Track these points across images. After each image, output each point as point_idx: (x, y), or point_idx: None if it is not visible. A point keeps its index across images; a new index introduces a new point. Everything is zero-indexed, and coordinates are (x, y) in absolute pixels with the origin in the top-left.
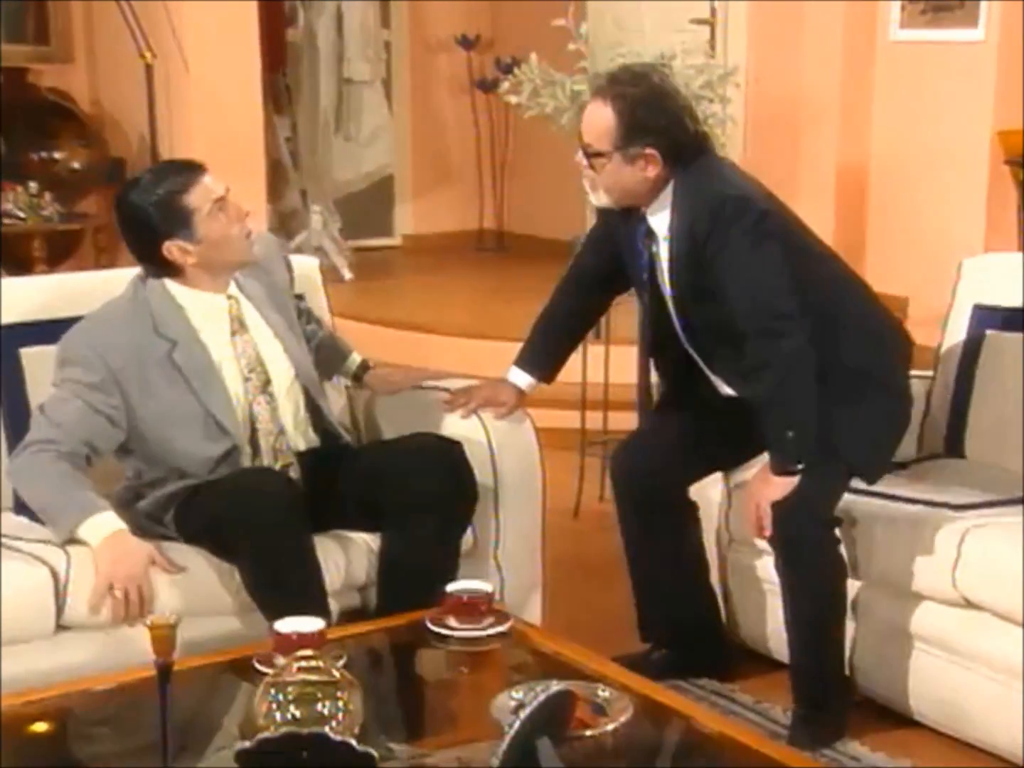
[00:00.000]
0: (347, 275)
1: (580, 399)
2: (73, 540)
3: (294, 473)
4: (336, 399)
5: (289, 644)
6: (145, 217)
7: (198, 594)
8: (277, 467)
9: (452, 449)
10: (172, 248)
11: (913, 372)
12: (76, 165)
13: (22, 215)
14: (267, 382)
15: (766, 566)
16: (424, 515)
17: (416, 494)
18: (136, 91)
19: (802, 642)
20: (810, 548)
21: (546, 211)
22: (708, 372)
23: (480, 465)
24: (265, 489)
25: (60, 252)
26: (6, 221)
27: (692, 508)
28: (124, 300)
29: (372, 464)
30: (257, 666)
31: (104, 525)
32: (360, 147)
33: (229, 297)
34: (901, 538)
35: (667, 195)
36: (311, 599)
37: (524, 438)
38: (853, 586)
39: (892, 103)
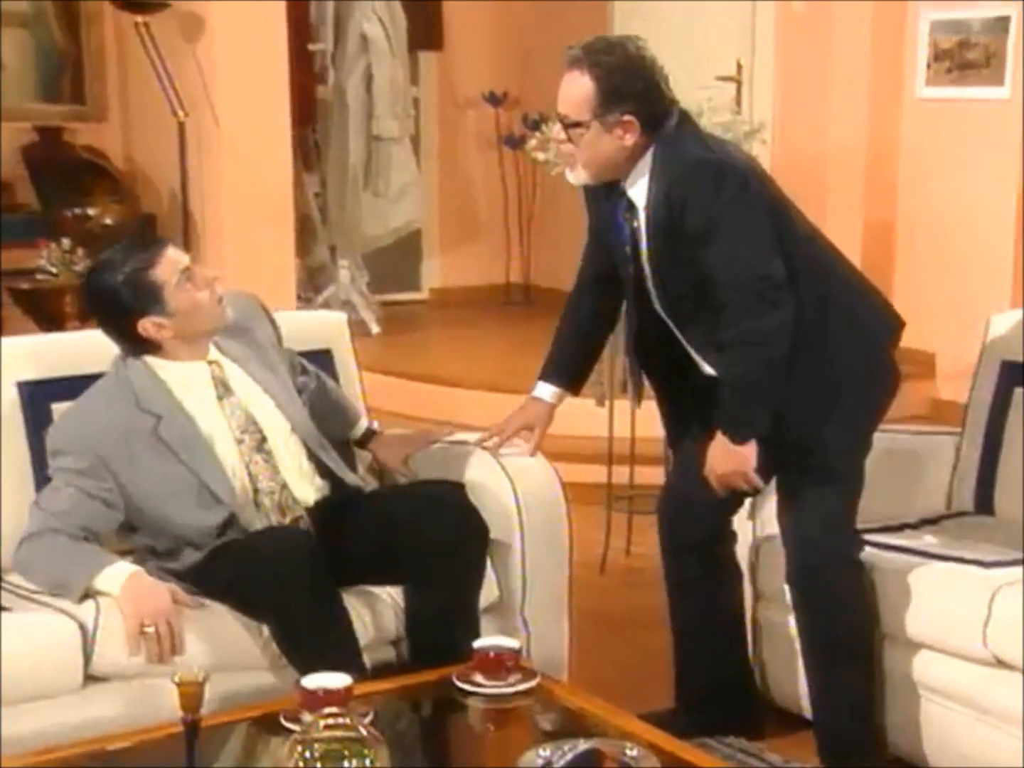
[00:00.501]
0: (375, 329)
1: (607, 453)
2: (91, 595)
3: (303, 526)
4: (364, 454)
5: (316, 700)
6: (116, 297)
7: (226, 648)
8: (286, 522)
9: (456, 492)
10: (147, 325)
11: (942, 428)
12: (108, 221)
13: (54, 271)
14: (262, 440)
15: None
16: (438, 561)
17: (427, 541)
18: (168, 148)
19: (823, 693)
20: (829, 586)
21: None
22: (689, 349)
23: (506, 519)
24: (287, 548)
25: None
26: (39, 277)
27: (735, 563)
28: (107, 382)
29: (381, 512)
30: (284, 722)
31: (120, 572)
32: (389, 202)
33: (210, 362)
34: (930, 594)
35: (645, 164)
36: (345, 655)
37: (550, 492)
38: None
39: (918, 160)
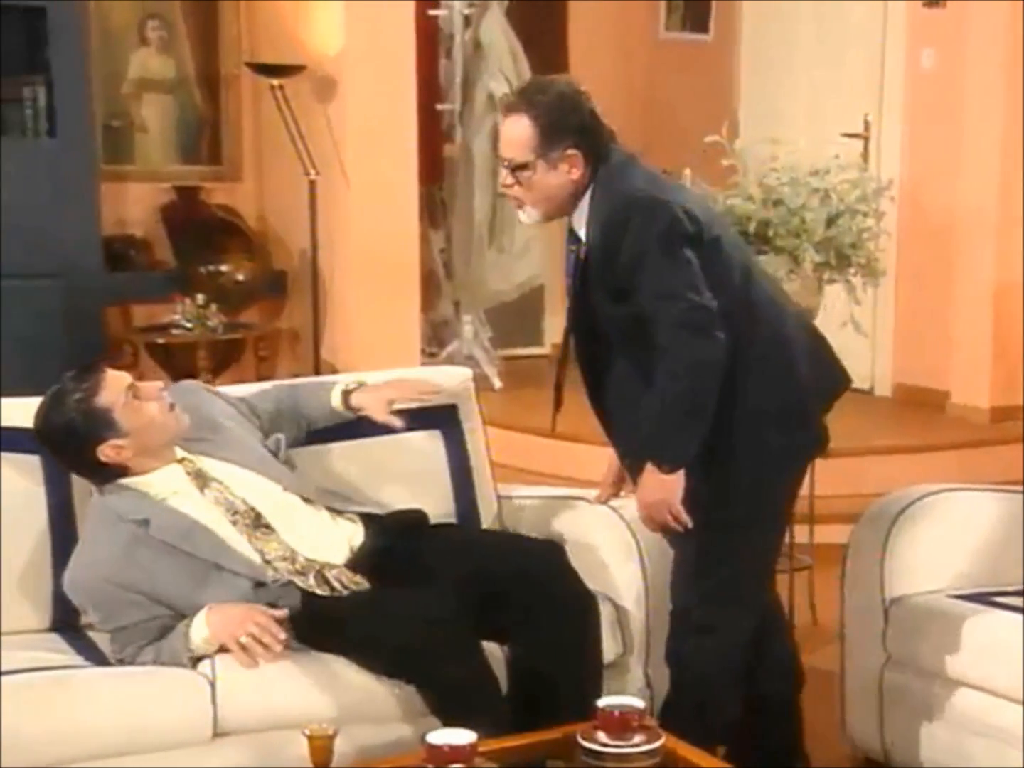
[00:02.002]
0: (497, 384)
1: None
2: (197, 657)
3: (337, 580)
4: (490, 509)
5: (442, 756)
6: (70, 431)
7: (353, 701)
8: (311, 582)
9: (559, 552)
10: (106, 450)
11: None
12: (241, 277)
13: (189, 326)
14: (257, 516)
15: (926, 688)
16: (545, 624)
17: (542, 599)
18: (299, 206)
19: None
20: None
21: None
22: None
23: (630, 577)
24: (436, 611)
25: (223, 361)
26: (174, 332)
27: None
28: (91, 522)
29: (479, 567)
30: None
31: (199, 615)
32: (512, 258)
33: (180, 460)
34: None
35: (587, 198)
36: (493, 708)
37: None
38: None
39: None
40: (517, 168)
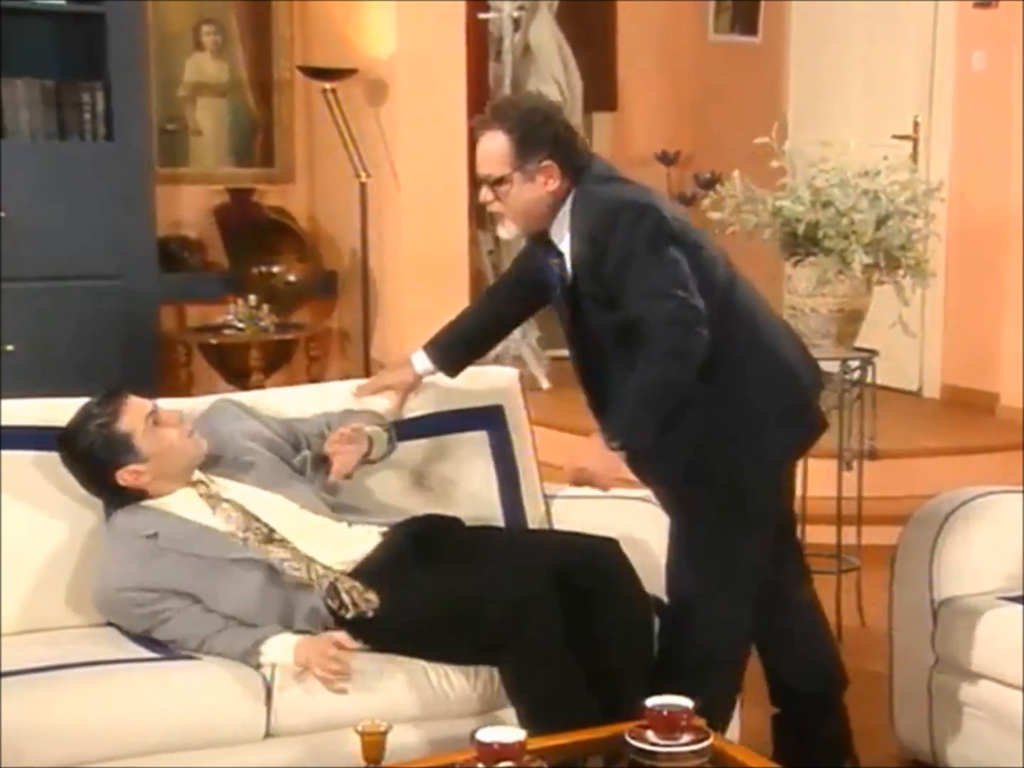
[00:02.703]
0: (544, 384)
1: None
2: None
3: (347, 594)
4: (536, 509)
5: (491, 754)
6: (90, 455)
7: (406, 701)
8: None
9: (616, 546)
10: (124, 475)
11: None
12: (292, 278)
13: (241, 326)
14: (270, 532)
15: (974, 690)
16: (607, 618)
17: (599, 592)
18: (350, 208)
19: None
20: None
21: None
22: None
23: None
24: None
25: (275, 361)
26: (226, 332)
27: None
28: (107, 542)
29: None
30: None
31: (284, 641)
32: None
33: (195, 483)
34: None
35: (566, 210)
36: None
37: None
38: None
39: None
40: (495, 183)
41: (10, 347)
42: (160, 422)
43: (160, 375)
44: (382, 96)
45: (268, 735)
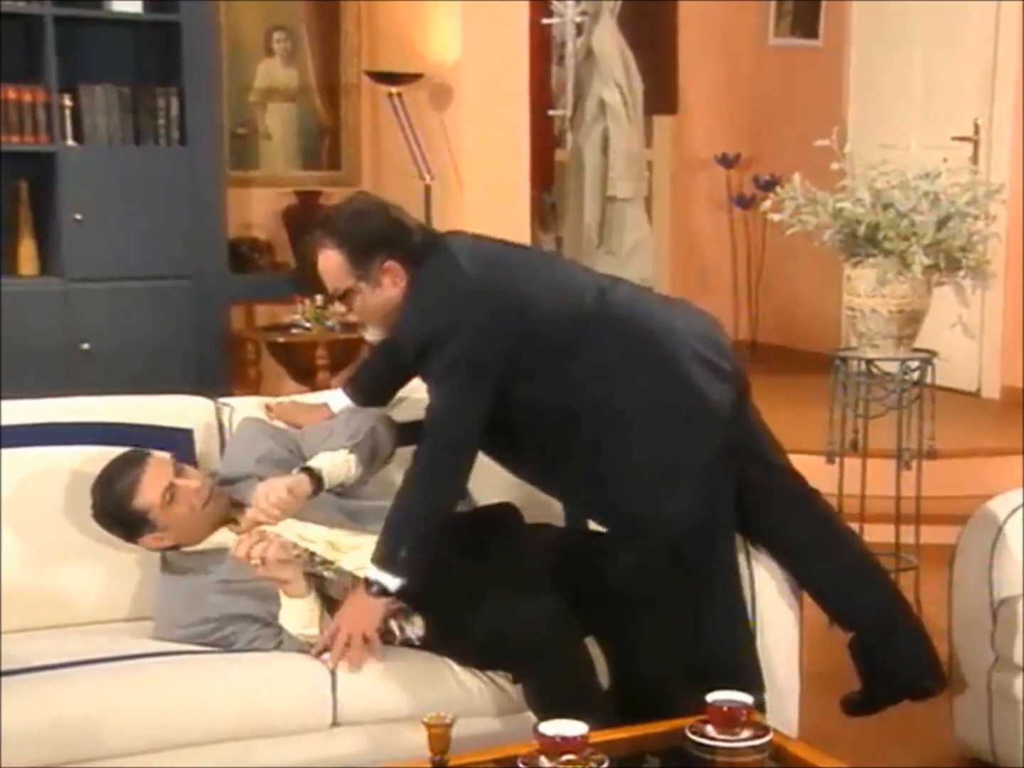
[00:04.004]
0: None
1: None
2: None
3: (394, 618)
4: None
5: (554, 747)
6: (114, 521)
7: (453, 696)
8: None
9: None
10: (147, 542)
11: None
12: None
13: (308, 325)
14: (312, 555)
15: None
16: (639, 618)
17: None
18: (414, 210)
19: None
20: None
21: (800, 323)
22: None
23: (741, 576)
24: (538, 610)
25: (341, 360)
26: (294, 331)
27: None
28: (162, 583)
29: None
30: (522, 767)
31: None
32: (621, 261)
33: (229, 522)
34: None
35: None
36: (596, 704)
37: None
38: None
39: None
40: (344, 297)
41: (86, 345)
42: (176, 497)
43: (230, 373)
44: (446, 100)
45: (335, 724)
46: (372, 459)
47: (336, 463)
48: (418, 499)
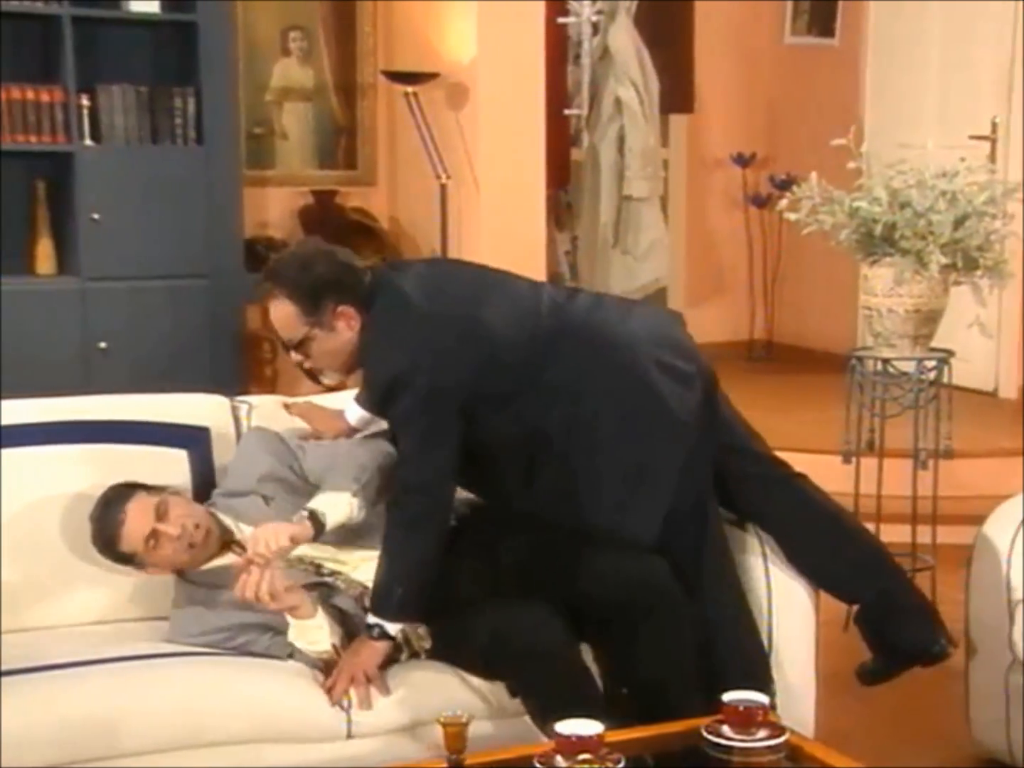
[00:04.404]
0: None
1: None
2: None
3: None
4: None
5: (570, 746)
6: (105, 555)
7: (448, 700)
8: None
9: (661, 565)
10: (146, 571)
11: None
12: None
13: None
14: (319, 567)
15: None
16: (633, 624)
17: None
18: (430, 209)
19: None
20: None
21: (816, 323)
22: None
23: (753, 578)
24: (536, 621)
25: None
26: None
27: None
28: (175, 595)
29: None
30: (538, 766)
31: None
32: (637, 260)
33: (230, 544)
34: None
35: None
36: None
37: None
38: None
39: None
40: (300, 345)
41: (102, 344)
42: (160, 543)
43: (246, 372)
44: (462, 99)
45: (350, 736)
46: (378, 499)
47: (339, 506)
48: (404, 545)
